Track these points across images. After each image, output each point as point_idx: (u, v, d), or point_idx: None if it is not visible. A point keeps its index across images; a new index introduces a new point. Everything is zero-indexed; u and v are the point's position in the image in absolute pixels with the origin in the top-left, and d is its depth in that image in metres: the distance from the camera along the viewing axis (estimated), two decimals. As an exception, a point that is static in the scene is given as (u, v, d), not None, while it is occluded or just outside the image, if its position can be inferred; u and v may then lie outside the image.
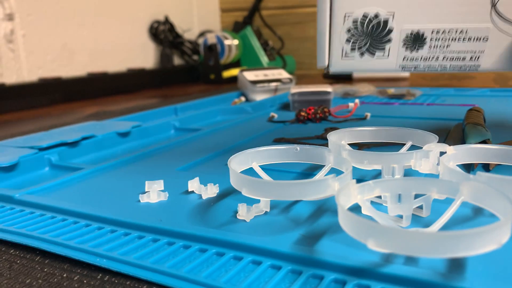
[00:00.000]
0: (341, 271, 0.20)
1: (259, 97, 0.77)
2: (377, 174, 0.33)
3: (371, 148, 0.41)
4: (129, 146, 0.50)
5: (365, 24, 0.32)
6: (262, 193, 0.25)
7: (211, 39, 1.18)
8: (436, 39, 0.31)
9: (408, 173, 0.32)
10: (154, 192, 0.30)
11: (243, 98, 0.78)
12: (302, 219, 0.26)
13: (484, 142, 0.37)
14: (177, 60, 1.31)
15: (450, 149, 0.28)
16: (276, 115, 0.59)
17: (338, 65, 0.34)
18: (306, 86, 0.66)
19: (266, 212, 0.27)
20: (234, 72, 1.17)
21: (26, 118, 0.73)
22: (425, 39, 0.31)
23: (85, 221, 0.27)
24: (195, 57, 1.31)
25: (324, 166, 0.30)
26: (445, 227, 0.23)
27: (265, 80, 0.79)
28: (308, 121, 0.57)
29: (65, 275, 0.22)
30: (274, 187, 0.24)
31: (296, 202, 0.28)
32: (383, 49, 0.32)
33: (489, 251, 0.17)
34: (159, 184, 0.31)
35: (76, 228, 0.27)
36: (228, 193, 0.31)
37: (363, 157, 0.29)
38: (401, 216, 0.24)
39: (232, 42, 1.21)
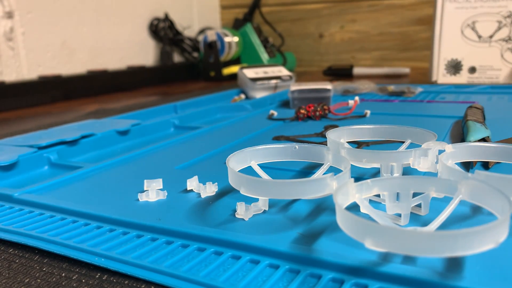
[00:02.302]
0: (339, 270, 0.20)
1: (259, 94, 0.77)
2: (376, 172, 0.33)
3: (370, 146, 0.41)
4: (129, 145, 0.50)
5: None
6: (260, 192, 0.25)
7: (211, 36, 1.18)
8: None
9: (407, 171, 0.32)
10: (153, 191, 0.30)
11: (243, 96, 0.78)
12: (300, 218, 0.26)
13: (483, 139, 0.37)
14: (177, 58, 1.31)
15: (448, 147, 0.28)
16: (275, 113, 0.59)
17: None
18: (306, 83, 0.66)
19: (264, 211, 0.27)
20: (234, 69, 1.17)
21: (26, 116, 0.73)
22: None
23: (84, 220, 0.27)
24: (195, 54, 1.30)
25: (323, 164, 0.30)
26: (443, 226, 0.23)
27: (265, 78, 0.79)
28: (308, 118, 0.57)
29: (63, 275, 0.22)
30: (272, 186, 0.24)
31: (294, 200, 0.28)
32: None
33: (487, 250, 0.17)
34: (158, 183, 0.31)
35: (75, 227, 0.27)
36: (227, 191, 0.31)
37: (361, 155, 0.29)
38: (399, 215, 0.24)
39: (232, 39, 1.21)
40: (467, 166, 0.34)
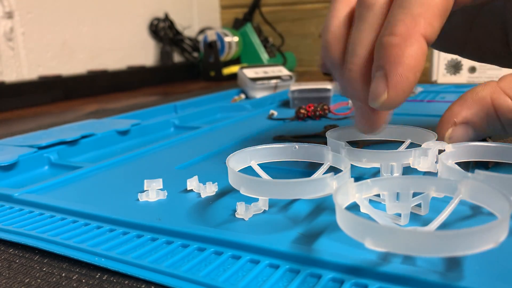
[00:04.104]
0: (338, 270, 0.20)
1: (259, 94, 0.77)
2: (376, 172, 0.33)
3: (370, 146, 0.41)
4: (129, 144, 0.50)
5: None
6: (260, 192, 0.25)
7: (211, 36, 1.18)
8: None
9: (407, 171, 0.32)
10: (153, 191, 0.30)
11: (243, 96, 0.78)
12: (300, 218, 0.26)
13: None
14: (177, 57, 1.30)
15: (448, 147, 0.28)
16: (276, 113, 0.59)
17: None
18: (306, 83, 0.66)
19: (264, 211, 0.27)
20: (234, 69, 1.17)
21: (26, 116, 0.73)
22: None
23: (84, 220, 0.27)
24: (195, 54, 1.30)
25: (322, 164, 0.30)
26: (443, 226, 0.23)
27: (265, 77, 0.79)
28: (308, 118, 0.57)
29: (64, 275, 0.22)
30: (272, 186, 0.24)
31: (294, 200, 0.28)
32: None
33: (487, 250, 0.17)
34: (158, 183, 0.31)
35: (75, 227, 0.27)
36: (227, 191, 0.31)
37: (361, 155, 0.29)
38: (399, 215, 0.24)
39: (232, 39, 1.21)
40: (467, 166, 0.34)
